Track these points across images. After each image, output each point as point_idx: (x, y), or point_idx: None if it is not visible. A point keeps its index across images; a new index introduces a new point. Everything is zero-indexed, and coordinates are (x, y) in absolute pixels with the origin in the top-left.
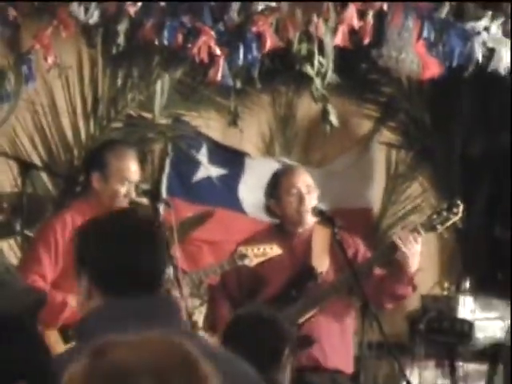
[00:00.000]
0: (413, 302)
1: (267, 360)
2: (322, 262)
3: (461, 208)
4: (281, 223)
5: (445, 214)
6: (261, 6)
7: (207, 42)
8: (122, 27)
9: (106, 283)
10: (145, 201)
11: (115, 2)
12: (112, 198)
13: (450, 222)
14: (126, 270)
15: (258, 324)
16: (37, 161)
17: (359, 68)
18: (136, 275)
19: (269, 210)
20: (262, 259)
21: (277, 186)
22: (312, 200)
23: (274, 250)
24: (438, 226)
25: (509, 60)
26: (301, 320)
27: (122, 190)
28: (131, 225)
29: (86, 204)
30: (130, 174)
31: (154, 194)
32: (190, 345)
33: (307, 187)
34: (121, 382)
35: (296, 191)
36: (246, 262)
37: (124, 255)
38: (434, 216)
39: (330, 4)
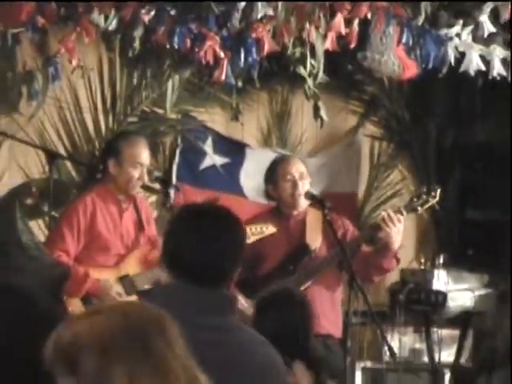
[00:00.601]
0: (393, 276)
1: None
2: (315, 240)
3: (438, 192)
4: (277, 206)
5: (424, 197)
6: (260, 14)
7: (212, 46)
8: (138, 33)
9: (180, 270)
10: (157, 186)
11: (131, 10)
12: (127, 181)
13: (429, 204)
14: (200, 263)
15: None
16: (62, 151)
17: (346, 69)
18: (207, 269)
19: (267, 194)
20: (258, 237)
21: (274, 173)
22: (305, 185)
23: (269, 229)
24: (419, 208)
25: (478, 62)
26: (303, 287)
27: (135, 173)
28: (218, 225)
29: (104, 188)
30: (141, 158)
31: (165, 181)
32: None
33: (300, 174)
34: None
35: (290, 177)
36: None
37: (202, 250)
38: (415, 199)
39: (321, 12)
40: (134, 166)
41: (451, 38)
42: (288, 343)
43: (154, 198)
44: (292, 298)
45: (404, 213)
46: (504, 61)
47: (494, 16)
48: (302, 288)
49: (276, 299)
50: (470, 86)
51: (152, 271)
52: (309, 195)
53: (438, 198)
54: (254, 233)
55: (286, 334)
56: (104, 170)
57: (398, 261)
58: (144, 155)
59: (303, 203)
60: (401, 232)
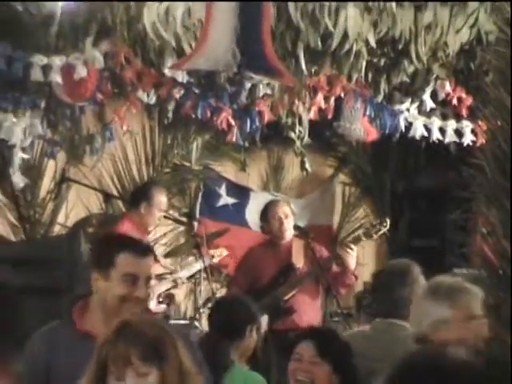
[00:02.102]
0: (359, 286)
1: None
2: (299, 260)
3: (388, 223)
4: (270, 238)
5: (377, 226)
6: (261, 93)
7: (226, 117)
8: (171, 106)
9: None
10: (184, 219)
11: (166, 89)
12: (152, 220)
13: (381, 232)
14: None
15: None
16: (115, 192)
17: (325, 134)
18: None
19: (262, 229)
20: (220, 258)
21: (266, 214)
22: (289, 223)
23: (223, 253)
24: (374, 234)
25: (421, 129)
26: (286, 297)
27: (159, 215)
28: None
29: (133, 220)
30: (164, 205)
31: (190, 215)
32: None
33: (286, 214)
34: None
35: (278, 217)
36: (214, 260)
37: None
38: (371, 228)
39: (306, 92)
40: (160, 210)
41: (402, 112)
42: None
43: (182, 228)
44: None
45: (363, 238)
46: (441, 129)
47: (435, 95)
48: (289, 295)
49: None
50: (416, 147)
51: (163, 282)
52: (296, 227)
53: (387, 228)
54: (217, 255)
55: None
56: (136, 206)
57: (356, 277)
58: (164, 202)
59: (289, 235)
60: (355, 257)
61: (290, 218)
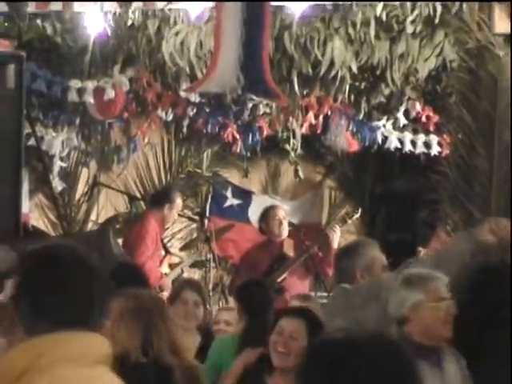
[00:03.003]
0: None
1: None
2: (289, 251)
3: (359, 211)
4: (268, 236)
5: (351, 214)
6: (261, 112)
7: (231, 131)
8: (185, 123)
9: None
10: (197, 217)
11: (182, 108)
12: (172, 220)
13: (354, 218)
14: None
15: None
16: (138, 195)
17: (315, 146)
18: None
19: (261, 229)
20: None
21: (266, 216)
22: (285, 224)
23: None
24: (348, 220)
25: (396, 142)
26: (279, 279)
27: (176, 215)
28: None
29: (156, 218)
30: (180, 206)
31: (202, 214)
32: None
33: (283, 217)
34: None
35: (277, 219)
36: None
37: None
38: (345, 215)
39: (299, 111)
40: (177, 211)
41: (379, 127)
42: None
43: (194, 224)
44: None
45: (339, 224)
46: (412, 141)
47: (407, 113)
48: (282, 278)
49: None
50: (391, 157)
51: (175, 270)
52: (290, 224)
53: (359, 214)
54: None
55: None
56: (159, 207)
57: None
58: (181, 204)
59: (286, 233)
60: (338, 236)
61: (285, 220)
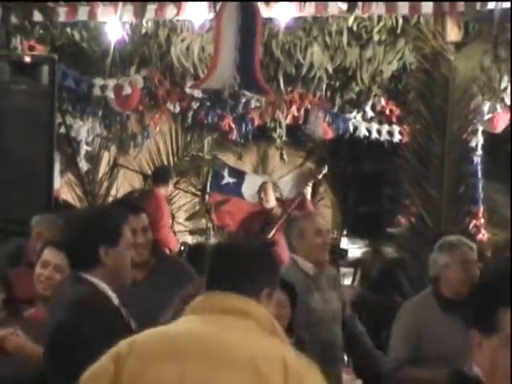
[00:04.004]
0: None
1: None
2: (276, 214)
3: (326, 168)
4: (261, 206)
5: (318, 171)
6: (253, 106)
7: (228, 121)
8: (190, 114)
9: None
10: (199, 193)
11: (187, 102)
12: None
13: (321, 174)
14: None
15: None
16: (150, 173)
17: (297, 134)
18: None
19: (258, 200)
20: None
21: (259, 190)
22: (271, 195)
23: None
24: (317, 175)
25: (364, 131)
26: (269, 235)
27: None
28: None
29: (161, 191)
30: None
31: (203, 190)
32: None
33: (271, 189)
34: None
35: (264, 192)
36: None
37: None
38: (315, 172)
39: (284, 105)
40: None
41: (350, 119)
42: None
43: (197, 199)
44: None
45: (312, 180)
46: (378, 131)
47: (373, 107)
48: (271, 234)
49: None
50: (360, 143)
51: None
52: (278, 198)
53: (325, 171)
54: None
55: None
56: (166, 184)
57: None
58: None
59: (272, 202)
60: (310, 190)
61: (273, 191)
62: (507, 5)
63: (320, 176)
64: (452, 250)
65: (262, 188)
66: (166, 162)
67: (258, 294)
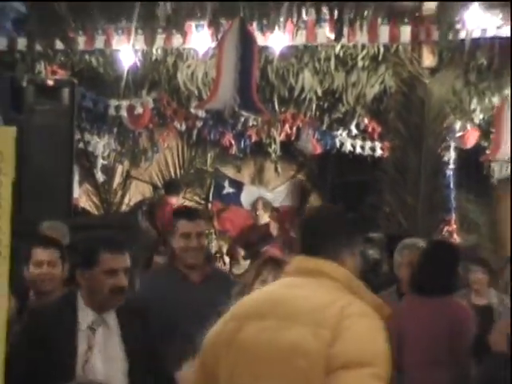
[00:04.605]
0: None
1: None
2: (273, 229)
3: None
4: (255, 220)
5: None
6: (251, 124)
7: (228, 138)
8: (194, 132)
9: None
10: (203, 202)
11: (192, 121)
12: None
13: None
14: None
15: None
16: (159, 185)
17: (290, 150)
18: None
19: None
20: None
21: (253, 206)
22: (262, 212)
23: None
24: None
25: (349, 147)
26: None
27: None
28: None
29: (173, 201)
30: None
31: (206, 199)
32: None
33: (261, 207)
34: None
35: (256, 209)
36: None
37: None
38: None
39: (278, 123)
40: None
41: (337, 136)
42: None
43: (201, 206)
44: None
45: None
46: (361, 146)
47: (358, 126)
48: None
49: None
50: (346, 158)
51: None
52: (271, 208)
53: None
54: None
55: None
56: (177, 194)
57: None
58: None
59: (265, 218)
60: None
61: (263, 209)
62: (477, 35)
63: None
64: (403, 251)
65: (255, 205)
66: (173, 175)
67: (341, 256)
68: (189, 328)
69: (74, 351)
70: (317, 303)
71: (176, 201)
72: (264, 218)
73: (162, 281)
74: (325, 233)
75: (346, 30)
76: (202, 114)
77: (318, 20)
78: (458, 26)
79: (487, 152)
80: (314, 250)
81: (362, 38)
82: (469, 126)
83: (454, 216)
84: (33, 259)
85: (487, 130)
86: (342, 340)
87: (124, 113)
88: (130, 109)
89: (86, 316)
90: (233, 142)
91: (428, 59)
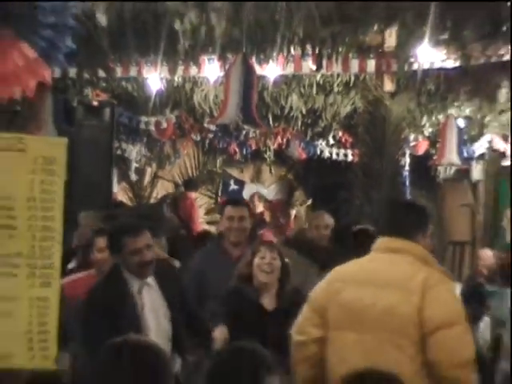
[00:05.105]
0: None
1: None
2: (264, 216)
3: (309, 201)
4: (252, 210)
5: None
6: (251, 135)
7: (233, 147)
8: (207, 142)
9: None
10: (214, 196)
11: (205, 133)
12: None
13: (305, 205)
14: None
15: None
16: (180, 183)
17: (281, 156)
18: None
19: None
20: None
21: (250, 199)
22: (257, 203)
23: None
24: (301, 206)
25: (327, 154)
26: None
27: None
28: None
29: (192, 196)
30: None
31: (216, 194)
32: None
33: (256, 199)
34: None
35: (253, 201)
36: None
37: None
38: (301, 202)
39: (272, 135)
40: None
41: (318, 145)
42: None
43: (213, 200)
44: None
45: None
46: (337, 153)
47: (334, 137)
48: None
49: None
50: (325, 163)
51: None
52: (264, 200)
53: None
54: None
55: None
56: (196, 190)
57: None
58: None
59: (260, 208)
60: (294, 212)
61: (258, 200)
62: (426, 66)
63: (307, 204)
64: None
65: (252, 198)
66: (190, 175)
67: (417, 238)
68: (220, 292)
69: (131, 310)
70: (404, 274)
71: (194, 195)
72: (259, 207)
73: (207, 253)
74: (405, 220)
75: (324, 63)
76: (212, 127)
77: (303, 55)
78: (412, 60)
79: (434, 158)
80: (397, 233)
81: (337, 68)
82: (420, 138)
83: None
84: (97, 245)
85: (434, 140)
86: (432, 305)
87: (152, 127)
88: (157, 124)
89: (133, 282)
90: (237, 150)
91: (388, 85)
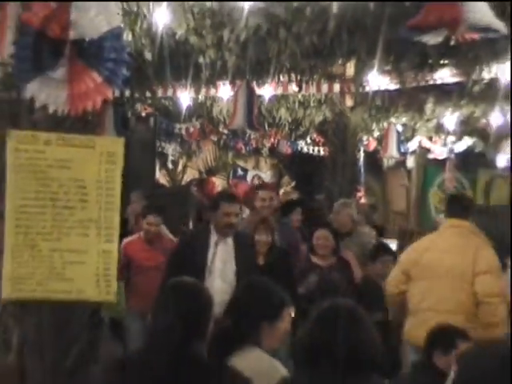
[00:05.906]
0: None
1: None
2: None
3: (293, 183)
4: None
5: (288, 183)
6: (252, 137)
7: (240, 145)
8: (222, 141)
9: None
10: (225, 183)
11: (218, 136)
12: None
13: (290, 185)
14: None
15: None
16: (203, 170)
17: (273, 151)
18: None
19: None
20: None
21: (252, 180)
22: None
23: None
24: (287, 185)
25: (307, 150)
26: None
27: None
28: None
29: (214, 179)
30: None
31: (228, 178)
32: None
33: (258, 179)
34: None
35: (255, 179)
36: None
37: None
38: (286, 183)
39: (268, 137)
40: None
41: (299, 144)
42: None
43: (225, 181)
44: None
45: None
46: (313, 149)
47: (311, 139)
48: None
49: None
50: (305, 157)
51: None
52: (262, 181)
53: (293, 184)
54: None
55: None
56: (214, 176)
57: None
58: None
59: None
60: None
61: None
62: (375, 88)
63: (289, 186)
64: (339, 205)
65: (253, 179)
66: (210, 165)
67: (469, 218)
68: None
69: (206, 256)
70: (462, 242)
71: (214, 180)
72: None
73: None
74: (462, 206)
75: (304, 86)
76: (226, 131)
77: (289, 80)
78: (365, 84)
79: (380, 152)
80: (457, 215)
81: (313, 90)
82: (371, 139)
83: (362, 187)
84: (147, 219)
85: (381, 140)
86: (478, 260)
87: (183, 131)
88: (187, 129)
89: (213, 237)
90: (242, 147)
91: (349, 102)
